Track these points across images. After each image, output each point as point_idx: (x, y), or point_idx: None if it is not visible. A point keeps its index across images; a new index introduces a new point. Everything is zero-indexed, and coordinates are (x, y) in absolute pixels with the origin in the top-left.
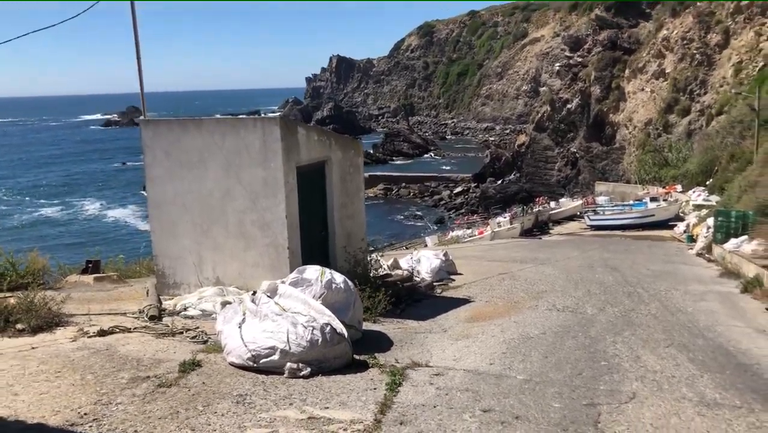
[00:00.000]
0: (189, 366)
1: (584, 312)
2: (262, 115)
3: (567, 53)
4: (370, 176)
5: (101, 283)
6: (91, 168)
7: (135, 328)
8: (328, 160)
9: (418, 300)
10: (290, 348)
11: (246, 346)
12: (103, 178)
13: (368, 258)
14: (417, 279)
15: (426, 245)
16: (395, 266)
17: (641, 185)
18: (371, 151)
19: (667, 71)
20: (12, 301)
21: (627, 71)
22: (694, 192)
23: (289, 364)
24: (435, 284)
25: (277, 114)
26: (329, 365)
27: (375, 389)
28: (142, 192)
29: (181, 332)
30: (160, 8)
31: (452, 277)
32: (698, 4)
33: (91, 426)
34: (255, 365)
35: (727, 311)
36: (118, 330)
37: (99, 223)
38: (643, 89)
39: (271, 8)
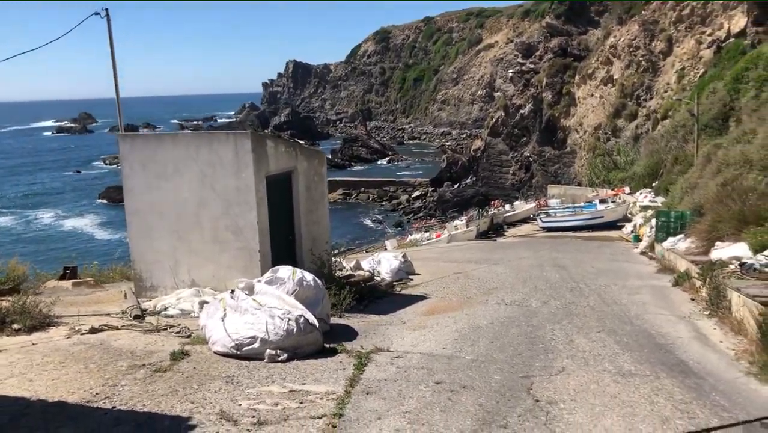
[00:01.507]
0: (179, 355)
1: (529, 305)
2: (218, 121)
3: (519, 60)
4: (329, 181)
5: (79, 288)
6: (44, 177)
7: (122, 326)
8: (294, 170)
9: (379, 297)
10: (269, 337)
11: (230, 336)
12: (58, 187)
13: (332, 260)
14: (378, 279)
15: (386, 249)
16: (357, 267)
17: (591, 188)
18: (330, 157)
19: (614, 77)
20: (4, 304)
21: (577, 77)
22: (640, 194)
23: (268, 351)
24: (395, 283)
25: (234, 120)
26: (303, 351)
27: (344, 369)
28: (99, 200)
29: (166, 329)
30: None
31: (411, 277)
32: (643, 12)
33: (104, 402)
34: (238, 352)
35: (656, 302)
36: (107, 328)
37: (57, 232)
38: (592, 95)
39: (225, 12)
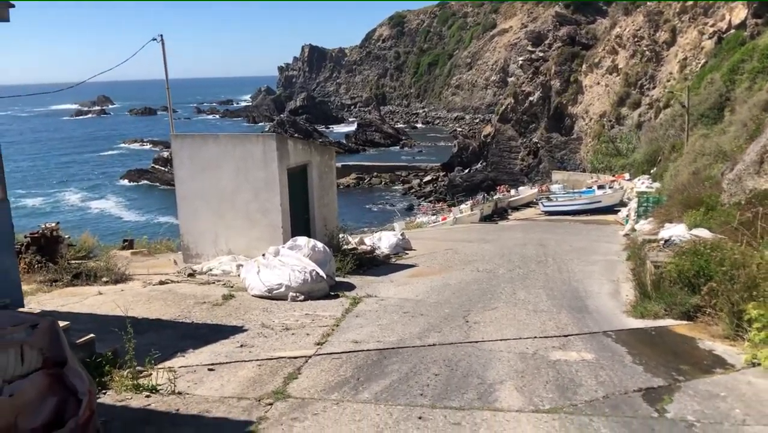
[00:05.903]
0: (227, 297)
1: (496, 272)
2: (234, 105)
3: (529, 48)
4: (343, 166)
5: (136, 256)
6: (66, 159)
7: (181, 281)
8: (309, 163)
9: (376, 265)
10: (291, 284)
11: (263, 284)
12: (81, 169)
13: (340, 235)
14: (378, 252)
15: (394, 230)
16: (361, 242)
17: (592, 174)
18: (344, 141)
19: (619, 66)
20: (91, 264)
21: (584, 66)
22: (639, 180)
23: (290, 293)
24: (392, 255)
25: (250, 103)
26: (315, 294)
27: (343, 305)
28: (121, 182)
29: (214, 282)
30: None
31: (407, 251)
32: (648, 3)
33: (185, 319)
34: (269, 294)
35: (602, 271)
36: (170, 282)
37: (85, 213)
38: (598, 83)
39: None
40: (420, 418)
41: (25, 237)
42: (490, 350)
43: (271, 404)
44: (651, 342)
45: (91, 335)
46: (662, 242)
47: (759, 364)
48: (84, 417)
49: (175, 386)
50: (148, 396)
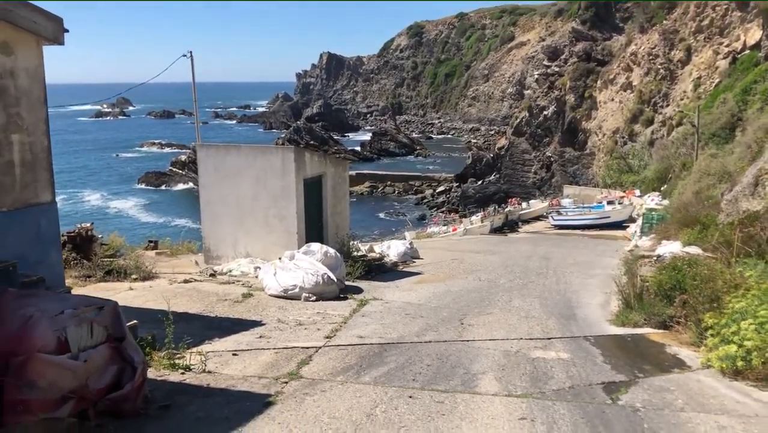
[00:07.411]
0: (246, 295)
1: (497, 281)
2: (252, 109)
3: (545, 62)
4: (357, 174)
5: (160, 256)
6: (85, 160)
7: (204, 280)
8: (324, 175)
9: (384, 272)
10: (305, 285)
11: (279, 284)
12: (100, 171)
13: (351, 242)
14: (386, 259)
15: (405, 239)
16: (370, 250)
17: (602, 189)
18: (359, 149)
19: (634, 84)
20: (121, 262)
21: (599, 82)
22: (648, 197)
23: (304, 294)
24: (399, 263)
25: (267, 109)
26: (326, 296)
27: (351, 306)
28: (138, 185)
29: (234, 282)
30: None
31: (414, 260)
32: (664, 22)
33: (210, 313)
34: (285, 294)
35: (598, 284)
36: (194, 280)
37: (105, 214)
38: (612, 99)
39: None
40: (410, 397)
41: (62, 236)
42: (478, 348)
43: (286, 382)
44: (624, 346)
45: (135, 321)
46: (655, 257)
47: (711, 365)
48: (138, 382)
49: (205, 366)
50: (183, 373)
